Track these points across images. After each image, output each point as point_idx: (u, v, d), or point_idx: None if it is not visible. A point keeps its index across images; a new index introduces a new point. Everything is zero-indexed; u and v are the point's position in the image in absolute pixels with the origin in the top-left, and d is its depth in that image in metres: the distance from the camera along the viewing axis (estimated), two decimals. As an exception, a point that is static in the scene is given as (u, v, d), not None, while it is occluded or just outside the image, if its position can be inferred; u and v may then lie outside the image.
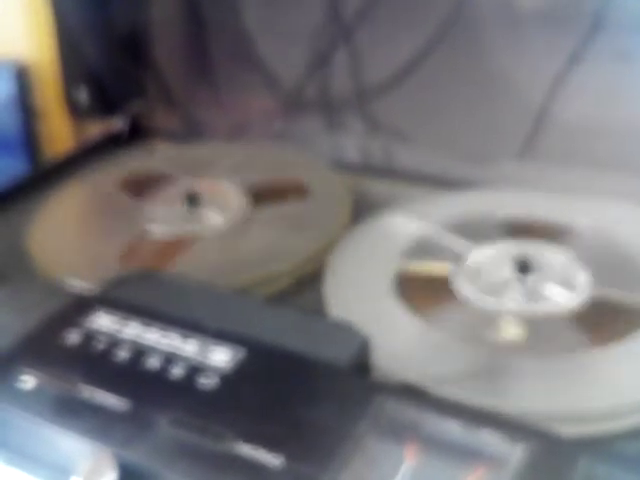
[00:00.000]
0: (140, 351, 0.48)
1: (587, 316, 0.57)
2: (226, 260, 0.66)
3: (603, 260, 0.62)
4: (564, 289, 0.59)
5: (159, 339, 0.49)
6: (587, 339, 0.55)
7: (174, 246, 0.68)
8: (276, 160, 0.81)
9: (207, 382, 0.46)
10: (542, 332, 0.56)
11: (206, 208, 0.73)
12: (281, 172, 0.78)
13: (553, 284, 0.59)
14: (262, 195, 0.74)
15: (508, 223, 0.68)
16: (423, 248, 0.65)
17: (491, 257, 0.63)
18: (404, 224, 0.68)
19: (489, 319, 0.57)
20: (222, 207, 0.73)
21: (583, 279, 0.60)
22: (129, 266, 0.65)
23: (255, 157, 0.82)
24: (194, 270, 0.64)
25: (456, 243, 0.65)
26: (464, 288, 0.60)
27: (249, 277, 0.63)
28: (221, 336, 0.49)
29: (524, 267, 0.61)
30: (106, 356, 0.48)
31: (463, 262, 0.62)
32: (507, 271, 0.61)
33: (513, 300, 0.58)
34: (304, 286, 0.63)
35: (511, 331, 0.55)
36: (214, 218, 0.71)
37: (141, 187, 0.78)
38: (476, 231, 0.66)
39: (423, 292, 0.60)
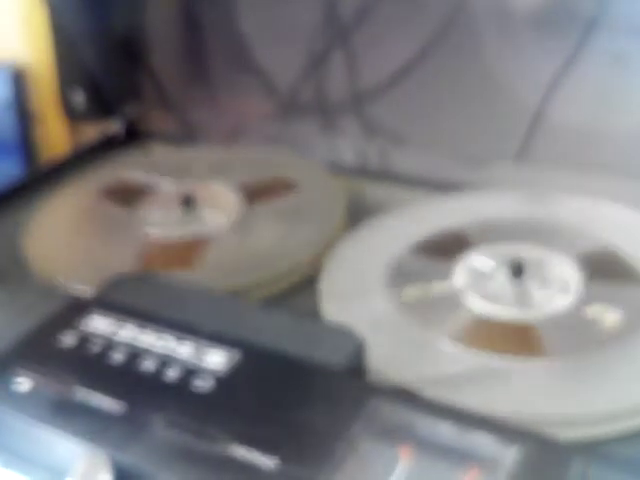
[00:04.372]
0: (135, 353, 0.48)
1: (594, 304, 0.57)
2: (222, 263, 0.66)
3: (591, 256, 0.63)
4: (560, 286, 0.59)
5: (154, 341, 0.49)
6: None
7: (169, 249, 0.68)
8: (272, 163, 0.81)
9: (202, 384, 0.46)
10: (540, 334, 0.56)
11: (202, 211, 0.73)
12: (277, 175, 0.78)
13: (548, 284, 0.60)
14: (258, 198, 0.74)
15: (495, 226, 0.68)
16: (417, 252, 0.65)
17: (485, 261, 0.63)
18: (399, 228, 0.68)
19: (486, 323, 0.57)
20: (218, 210, 0.73)
21: (576, 274, 0.60)
22: (125, 269, 0.65)
23: (251, 160, 0.82)
24: (189, 273, 0.64)
25: (449, 248, 0.65)
26: (460, 293, 0.60)
27: (245, 280, 0.63)
28: (216, 339, 0.49)
29: (518, 270, 0.61)
30: (101, 358, 0.48)
31: (457, 266, 0.62)
32: (502, 275, 0.61)
33: (509, 304, 0.58)
34: (300, 289, 0.63)
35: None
36: (210, 221, 0.71)
37: (137, 190, 0.78)
38: (469, 235, 0.67)
39: (419, 295, 0.60)
